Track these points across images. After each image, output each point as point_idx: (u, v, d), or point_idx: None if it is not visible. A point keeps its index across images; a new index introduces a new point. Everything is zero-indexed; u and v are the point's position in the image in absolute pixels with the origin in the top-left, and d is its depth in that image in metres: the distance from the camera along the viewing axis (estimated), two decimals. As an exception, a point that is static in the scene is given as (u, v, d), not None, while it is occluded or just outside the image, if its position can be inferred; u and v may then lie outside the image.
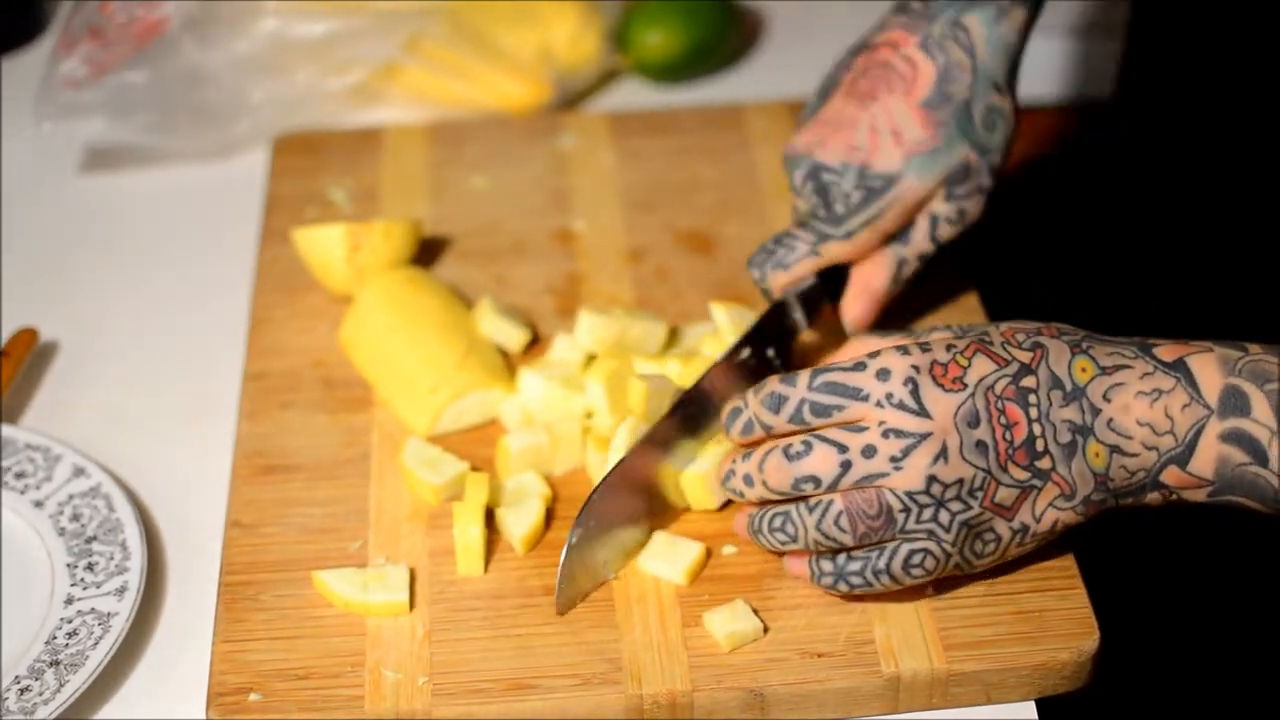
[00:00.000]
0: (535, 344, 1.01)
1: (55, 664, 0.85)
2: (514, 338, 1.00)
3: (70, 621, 0.87)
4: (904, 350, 0.81)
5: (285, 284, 1.06)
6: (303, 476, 0.94)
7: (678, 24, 1.23)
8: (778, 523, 0.83)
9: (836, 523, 0.81)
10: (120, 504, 0.92)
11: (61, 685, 0.83)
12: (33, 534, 0.92)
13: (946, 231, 0.95)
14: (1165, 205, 1.05)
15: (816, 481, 0.81)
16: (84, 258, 1.14)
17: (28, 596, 0.89)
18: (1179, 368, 0.80)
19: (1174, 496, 0.82)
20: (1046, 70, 1.46)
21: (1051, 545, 0.87)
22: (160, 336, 1.07)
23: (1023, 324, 0.84)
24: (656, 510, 0.90)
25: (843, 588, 0.83)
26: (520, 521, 0.89)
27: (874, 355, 0.82)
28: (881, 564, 0.82)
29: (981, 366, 0.81)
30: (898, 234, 0.95)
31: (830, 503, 0.81)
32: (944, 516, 0.80)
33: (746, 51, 1.31)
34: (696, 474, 0.89)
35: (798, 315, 0.96)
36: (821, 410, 0.81)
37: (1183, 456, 0.80)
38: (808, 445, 0.81)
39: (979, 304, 1.03)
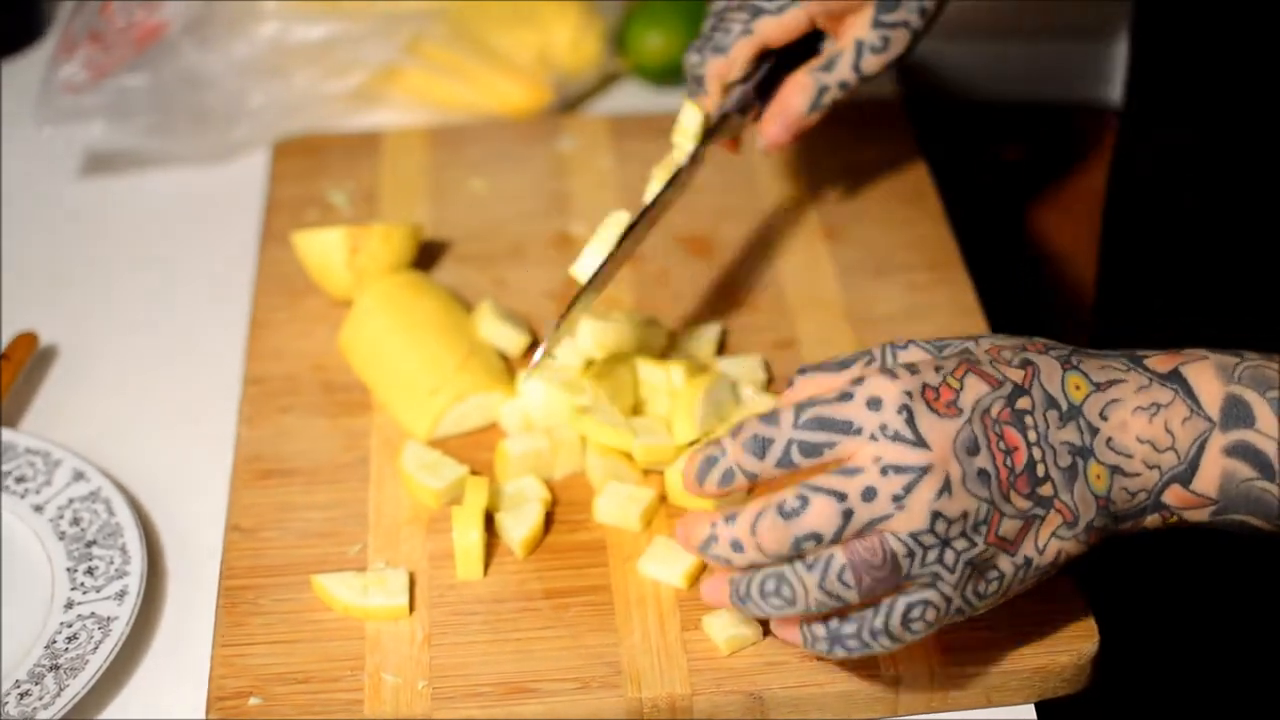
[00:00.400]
0: (535, 347, 1.01)
1: (55, 668, 0.85)
2: (514, 341, 1.00)
3: (70, 626, 0.87)
4: (891, 375, 0.75)
5: (285, 287, 1.06)
6: (302, 480, 0.94)
7: (677, 27, 1.24)
8: (771, 586, 0.75)
9: (840, 578, 0.74)
10: (120, 508, 0.92)
11: (61, 689, 0.83)
12: (33, 538, 0.92)
13: (871, 63, 0.95)
14: (1166, 207, 1.05)
15: (818, 538, 0.74)
16: (84, 261, 1.14)
17: (28, 601, 0.89)
18: (1175, 379, 0.77)
19: (1175, 519, 0.79)
20: (1053, 73, 1.46)
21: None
22: (159, 340, 1.07)
23: (1005, 339, 0.80)
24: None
25: (839, 653, 0.77)
26: (519, 525, 0.89)
27: (858, 382, 0.75)
28: (879, 623, 0.75)
29: (975, 388, 0.75)
30: (823, 61, 0.96)
31: (831, 558, 0.74)
32: (949, 557, 0.74)
33: (746, 54, 1.31)
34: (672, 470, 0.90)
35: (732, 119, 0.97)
36: (811, 450, 0.75)
37: (1185, 475, 0.77)
38: (803, 500, 0.74)
39: (976, 303, 1.03)
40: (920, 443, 0.74)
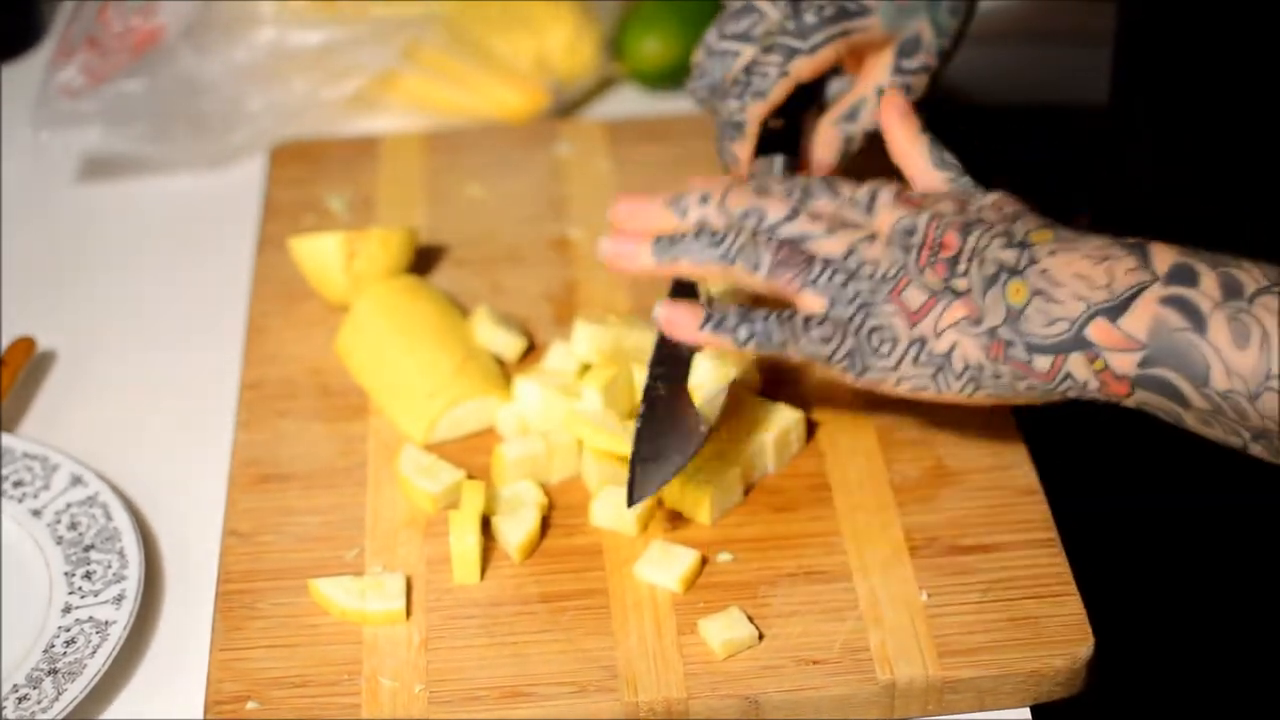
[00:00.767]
0: (531, 352, 1.02)
1: (53, 672, 0.85)
2: (510, 346, 1.00)
3: (68, 630, 0.87)
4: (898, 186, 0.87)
5: (282, 292, 1.06)
6: (299, 485, 0.94)
7: (674, 31, 1.24)
8: (707, 235, 0.86)
9: (765, 239, 0.85)
10: (118, 512, 0.93)
11: (59, 693, 0.84)
12: (30, 542, 0.92)
13: None
14: (1160, 209, 1.05)
15: (762, 216, 0.86)
16: (81, 267, 1.14)
17: (26, 605, 0.90)
18: (1138, 248, 0.78)
19: (1101, 366, 0.77)
20: (1038, 77, 1.46)
21: (1043, 549, 0.87)
22: (157, 345, 1.07)
23: (1027, 210, 0.84)
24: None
25: (744, 334, 0.84)
26: (516, 530, 0.89)
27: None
28: (785, 315, 0.84)
29: (943, 204, 0.84)
30: (845, 110, 0.97)
31: (770, 226, 0.86)
32: (850, 290, 0.83)
33: (742, 59, 1.31)
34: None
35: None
36: (806, 188, 0.87)
37: (1114, 311, 0.77)
38: (767, 193, 0.87)
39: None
40: (869, 212, 0.86)
